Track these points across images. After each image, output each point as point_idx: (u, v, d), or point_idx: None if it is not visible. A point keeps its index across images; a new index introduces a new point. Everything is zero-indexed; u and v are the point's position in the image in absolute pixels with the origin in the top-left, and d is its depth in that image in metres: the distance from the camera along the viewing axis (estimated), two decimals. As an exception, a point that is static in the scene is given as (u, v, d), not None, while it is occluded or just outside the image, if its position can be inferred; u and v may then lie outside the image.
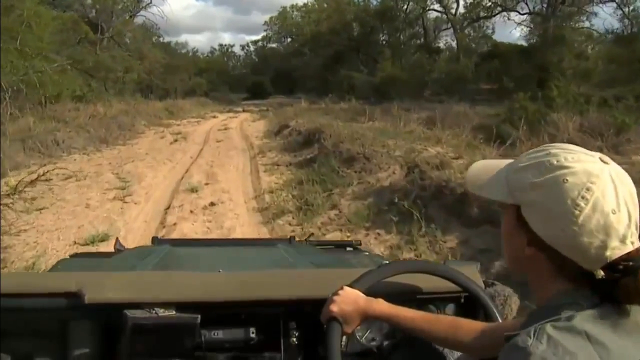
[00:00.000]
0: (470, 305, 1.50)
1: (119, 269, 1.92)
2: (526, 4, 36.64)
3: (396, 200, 6.18)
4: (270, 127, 21.25)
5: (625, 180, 0.84)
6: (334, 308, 1.26)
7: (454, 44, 44.03)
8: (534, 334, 0.80)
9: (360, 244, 2.84)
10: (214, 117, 31.19)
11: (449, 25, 44.55)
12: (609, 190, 0.81)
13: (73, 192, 9.19)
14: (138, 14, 37.24)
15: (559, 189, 0.83)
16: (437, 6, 43.55)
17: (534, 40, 38.64)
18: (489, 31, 41.30)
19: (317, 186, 7.98)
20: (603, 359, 0.77)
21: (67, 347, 1.36)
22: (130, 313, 1.32)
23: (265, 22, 55.56)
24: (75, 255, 2.73)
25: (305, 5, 52.40)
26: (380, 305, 1.27)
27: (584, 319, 0.81)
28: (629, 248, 0.82)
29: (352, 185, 7.57)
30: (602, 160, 0.85)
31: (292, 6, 53.34)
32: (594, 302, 0.84)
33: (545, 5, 34.87)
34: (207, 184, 9.48)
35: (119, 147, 16.27)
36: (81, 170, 11.52)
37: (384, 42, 40.25)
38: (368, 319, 1.29)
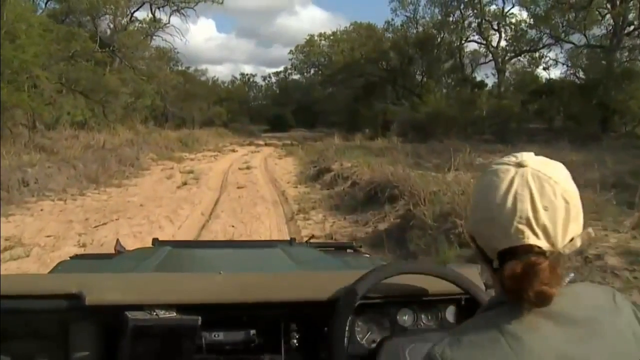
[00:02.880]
0: (471, 307, 1.45)
1: (120, 270, 1.92)
2: (584, 35, 32.70)
3: None
4: (302, 167, 17.36)
5: (534, 182, 0.85)
6: None
7: (489, 78, 40.46)
8: (445, 335, 0.87)
9: (360, 246, 2.88)
10: (233, 150, 27.53)
11: (486, 59, 41.12)
12: (502, 186, 0.85)
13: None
14: (156, 35, 34.29)
15: (476, 186, 0.92)
16: (476, 37, 40.35)
17: (574, 76, 35.01)
18: (552, 62, 36.90)
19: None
20: (515, 350, 0.79)
21: (67, 348, 1.34)
22: (131, 315, 1.29)
23: (291, 50, 52.17)
24: (75, 257, 2.65)
25: (334, 33, 49.03)
26: None
27: (500, 314, 0.84)
28: (513, 242, 0.83)
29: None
30: (520, 164, 0.87)
31: (320, 35, 49.98)
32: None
33: (609, 37, 30.73)
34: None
35: (110, 189, 12.43)
36: (38, 232, 7.66)
37: (422, 74, 36.46)
38: None
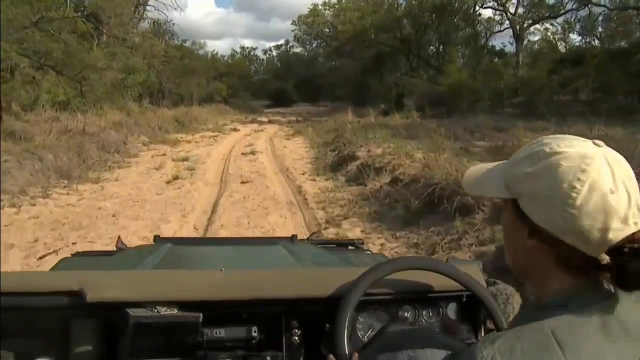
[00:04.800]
0: (472, 304, 1.48)
1: (121, 267, 1.92)
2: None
3: None
4: (316, 151, 14.84)
5: (621, 162, 0.81)
6: None
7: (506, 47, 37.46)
8: (496, 337, 0.79)
9: (362, 243, 2.76)
10: (235, 130, 24.97)
11: (502, 27, 38.16)
12: (605, 171, 0.78)
13: None
14: (149, 4, 31.66)
15: (554, 174, 0.80)
16: (492, 4, 37.26)
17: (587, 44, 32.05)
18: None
19: None
20: None
21: (68, 346, 1.33)
22: (132, 312, 1.28)
23: (293, 21, 49.14)
24: (77, 254, 2.66)
25: (339, 2, 45.99)
26: None
27: (559, 322, 0.78)
28: (632, 229, 0.77)
29: None
30: (595, 144, 0.82)
31: (325, 3, 46.89)
32: (591, 299, 0.80)
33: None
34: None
35: (84, 187, 9.96)
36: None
37: (439, 43, 33.51)
38: None
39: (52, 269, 2.17)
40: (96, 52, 21.01)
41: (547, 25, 35.19)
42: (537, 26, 37.54)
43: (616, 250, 0.77)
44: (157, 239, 2.55)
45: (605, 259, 0.79)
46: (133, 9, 28.12)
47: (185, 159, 13.56)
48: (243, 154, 15.11)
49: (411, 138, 12.64)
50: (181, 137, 20.00)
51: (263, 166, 12.61)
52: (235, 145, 17.78)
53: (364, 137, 13.55)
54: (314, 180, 10.41)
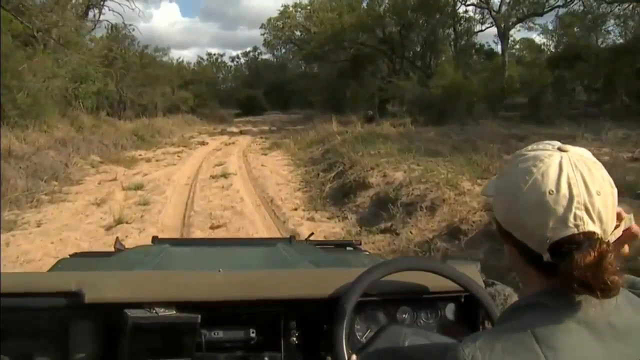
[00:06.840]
0: (470, 304, 1.46)
1: (119, 268, 1.90)
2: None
3: None
4: (304, 172, 12.00)
5: (583, 167, 0.81)
6: None
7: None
8: (477, 336, 0.81)
9: (360, 244, 2.74)
10: (202, 143, 21.95)
11: (482, 26, 35.95)
12: (551, 173, 0.80)
13: None
14: (105, 5, 28.53)
15: (510, 174, 0.84)
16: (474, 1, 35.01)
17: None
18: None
19: None
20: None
21: (67, 347, 1.30)
22: (130, 312, 1.26)
23: (263, 24, 46.12)
24: (75, 255, 2.63)
25: (311, 3, 43.27)
26: None
27: (537, 319, 0.79)
28: (571, 230, 0.78)
29: None
30: (560, 149, 0.83)
31: (296, 5, 44.11)
32: (563, 301, 0.80)
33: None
34: None
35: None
36: None
37: (424, 43, 30.93)
38: None
39: (51, 269, 2.15)
40: (41, 58, 18.07)
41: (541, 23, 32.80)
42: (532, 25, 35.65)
43: (556, 249, 0.78)
44: (155, 240, 2.50)
45: (546, 256, 0.80)
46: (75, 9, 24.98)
47: (138, 187, 10.60)
48: (212, 177, 12.13)
49: (432, 154, 9.78)
50: (140, 155, 17.05)
51: (239, 196, 9.64)
52: (202, 164, 14.84)
53: (364, 151, 10.78)
54: (312, 219, 7.50)
